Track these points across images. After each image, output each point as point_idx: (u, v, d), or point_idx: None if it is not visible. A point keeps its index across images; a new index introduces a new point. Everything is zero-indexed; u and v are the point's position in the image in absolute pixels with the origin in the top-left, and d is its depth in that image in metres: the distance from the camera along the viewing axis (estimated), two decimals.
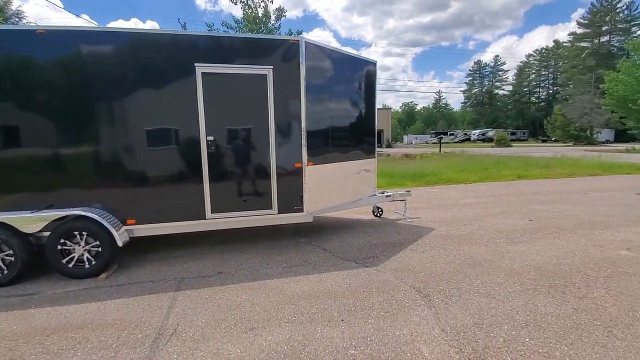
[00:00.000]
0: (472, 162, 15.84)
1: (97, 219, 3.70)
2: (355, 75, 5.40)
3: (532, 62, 77.37)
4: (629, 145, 29.21)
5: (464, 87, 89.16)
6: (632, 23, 55.69)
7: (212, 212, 4.25)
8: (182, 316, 2.93)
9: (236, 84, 4.21)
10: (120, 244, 3.78)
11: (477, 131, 60.38)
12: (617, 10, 56.49)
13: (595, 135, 43.45)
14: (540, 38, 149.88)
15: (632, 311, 2.88)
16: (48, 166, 3.83)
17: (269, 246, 4.80)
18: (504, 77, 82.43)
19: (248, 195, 4.43)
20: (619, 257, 4.13)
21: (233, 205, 4.35)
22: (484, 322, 2.74)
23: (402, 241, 4.92)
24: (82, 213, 3.70)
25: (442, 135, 40.73)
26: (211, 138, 4.14)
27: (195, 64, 3.99)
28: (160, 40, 3.98)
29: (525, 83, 78.32)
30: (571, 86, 53.98)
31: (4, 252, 3.60)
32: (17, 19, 24.37)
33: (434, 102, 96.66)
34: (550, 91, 74.28)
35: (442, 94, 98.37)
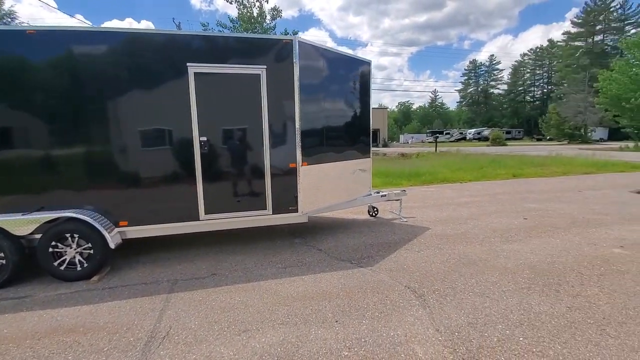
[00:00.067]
0: (467, 161, 15.89)
1: (89, 221, 3.66)
2: (349, 74, 5.39)
3: (526, 61, 77.82)
4: (622, 144, 29.41)
5: (460, 86, 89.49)
6: (625, 22, 56.12)
7: (205, 213, 4.22)
8: (174, 319, 2.90)
9: (229, 84, 4.18)
10: (112, 246, 3.74)
11: (473, 130, 60.64)
12: (611, 10, 56.91)
13: (589, 134, 43.77)
14: (535, 37, 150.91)
15: (625, 309, 2.89)
16: (39, 168, 3.78)
17: (264, 247, 4.78)
18: (499, 76, 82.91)
19: (242, 196, 4.41)
20: (613, 255, 4.15)
21: (227, 206, 4.32)
22: (478, 322, 2.73)
23: (397, 241, 4.91)
24: (74, 215, 3.66)
25: (438, 135, 40.78)
26: (204, 138, 4.11)
27: (188, 64, 3.95)
28: (151, 40, 3.94)
29: (520, 82, 78.75)
30: (565, 85, 54.29)
31: None
32: (9, 20, 24.12)
33: (430, 101, 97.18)
34: (545, 90, 74.74)
35: (438, 93, 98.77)
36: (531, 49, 77.61)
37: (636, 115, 27.64)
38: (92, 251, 3.74)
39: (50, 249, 3.65)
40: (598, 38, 59.30)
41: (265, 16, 24.98)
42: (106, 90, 3.83)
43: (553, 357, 2.29)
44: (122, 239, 4.01)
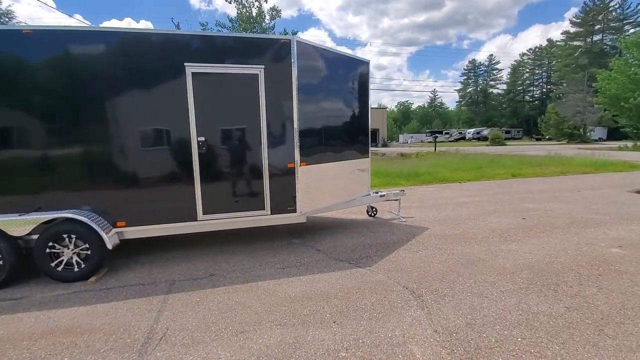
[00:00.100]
0: (466, 161, 15.89)
1: (86, 222, 3.64)
2: (348, 74, 5.38)
3: (526, 61, 77.89)
4: (621, 143, 29.43)
5: (459, 86, 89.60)
6: (624, 22, 56.22)
7: (203, 214, 4.21)
8: (172, 320, 2.89)
9: (227, 84, 4.17)
10: (109, 246, 3.72)
11: (472, 130, 60.67)
12: (610, 9, 57.02)
13: (588, 134, 43.80)
14: (534, 37, 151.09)
15: (623, 309, 2.89)
16: (36, 168, 3.76)
17: (262, 247, 4.77)
18: (498, 76, 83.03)
19: (240, 196, 4.40)
20: (611, 255, 4.15)
21: (225, 206, 4.31)
22: (476, 322, 2.73)
23: (395, 241, 4.91)
24: (71, 216, 3.65)
25: (437, 135, 40.76)
26: (202, 139, 4.10)
27: (185, 64, 3.94)
28: (149, 39, 3.93)
29: (520, 82, 78.81)
30: (564, 85, 54.27)
31: None
32: (7, 19, 24.05)
33: (429, 101, 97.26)
34: (544, 90, 74.81)
35: (437, 93, 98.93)
36: (530, 49, 77.80)
37: (635, 115, 27.68)
38: (89, 252, 3.72)
39: (48, 250, 3.64)
40: (597, 38, 59.43)
41: (265, 16, 24.96)
42: (103, 90, 3.82)
43: (551, 358, 2.28)
44: (120, 240, 4.00)
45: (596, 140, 43.53)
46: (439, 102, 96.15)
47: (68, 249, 3.69)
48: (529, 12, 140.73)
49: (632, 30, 49.30)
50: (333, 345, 2.48)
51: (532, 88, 78.42)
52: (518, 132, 60.30)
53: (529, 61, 77.14)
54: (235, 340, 2.57)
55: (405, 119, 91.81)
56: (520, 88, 79.13)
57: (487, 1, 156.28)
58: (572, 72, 54.58)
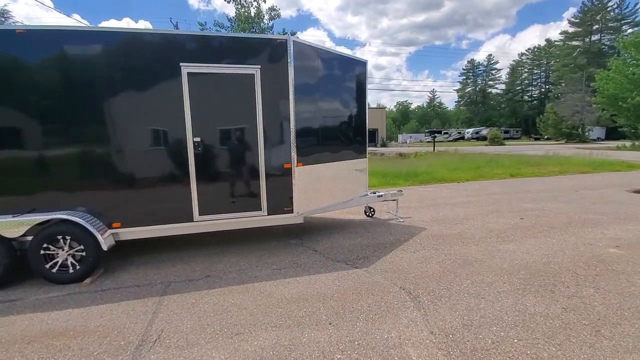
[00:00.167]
0: (465, 161, 15.89)
1: (81, 223, 3.62)
2: (345, 74, 5.36)
3: (524, 60, 77.94)
4: (619, 143, 29.47)
5: (458, 86, 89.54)
6: (622, 22, 56.34)
7: (199, 214, 4.18)
8: (166, 322, 2.86)
9: (223, 84, 4.14)
10: (105, 248, 3.70)
11: (471, 130, 60.68)
12: (608, 9, 57.13)
13: (586, 133, 43.89)
14: (533, 37, 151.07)
15: (620, 310, 2.88)
16: (30, 169, 3.74)
17: (259, 248, 4.75)
18: (497, 76, 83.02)
19: (236, 197, 4.38)
20: (608, 255, 4.14)
21: (221, 207, 4.29)
22: (472, 324, 2.71)
23: (393, 241, 4.89)
24: (65, 217, 3.62)
25: (436, 134, 40.80)
26: (198, 139, 4.08)
27: (181, 64, 3.92)
28: (144, 40, 3.91)
29: (518, 82, 78.87)
30: (563, 84, 54.41)
31: None
32: (3, 19, 23.96)
33: (428, 101, 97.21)
34: (543, 90, 74.89)
35: (436, 93, 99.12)
36: (529, 49, 77.86)
37: (633, 115, 27.73)
38: (84, 253, 3.70)
39: (42, 251, 3.61)
40: (595, 38, 59.58)
41: (263, 16, 24.92)
42: (98, 90, 3.79)
43: None
44: (116, 241, 3.97)
45: (594, 140, 43.61)
46: (437, 102, 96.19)
47: (63, 250, 3.67)
48: (528, 12, 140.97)
49: (630, 30, 49.44)
50: (328, 347, 2.46)
51: (530, 88, 78.51)
52: (517, 131, 60.34)
53: (528, 61, 77.21)
54: (230, 343, 2.55)
55: (404, 118, 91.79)
56: (519, 88, 79.21)
57: (486, 1, 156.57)
58: (571, 72, 54.69)
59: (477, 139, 53.74)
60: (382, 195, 6.10)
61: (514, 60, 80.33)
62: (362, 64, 5.67)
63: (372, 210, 6.50)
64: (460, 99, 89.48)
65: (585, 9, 58.82)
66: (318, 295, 3.28)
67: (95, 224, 3.72)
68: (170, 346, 2.52)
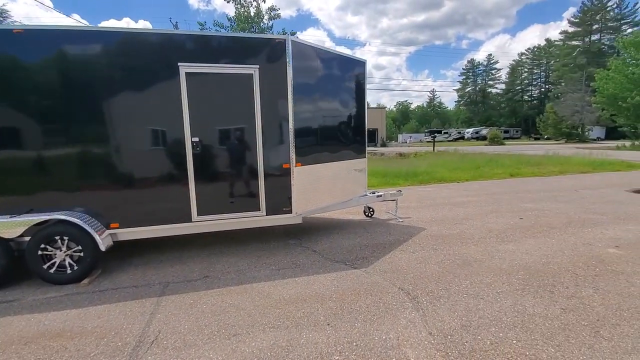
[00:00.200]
0: (465, 161, 15.88)
1: (79, 223, 3.61)
2: (344, 74, 5.35)
3: (524, 60, 77.90)
4: (619, 143, 29.46)
5: (458, 85, 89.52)
6: (622, 21, 56.32)
7: (198, 215, 4.17)
8: (164, 322, 2.85)
9: (221, 84, 4.13)
10: (103, 248, 3.69)
11: (471, 129, 60.65)
12: (608, 9, 57.10)
13: (586, 133, 43.88)
14: (533, 37, 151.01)
15: (619, 310, 2.87)
16: (28, 169, 3.73)
17: (258, 248, 4.74)
18: (497, 75, 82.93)
19: (235, 197, 4.36)
20: (608, 255, 4.13)
21: (220, 207, 4.27)
22: (471, 324, 2.70)
23: (392, 242, 4.88)
24: (63, 217, 3.61)
25: (435, 134, 40.77)
26: (196, 139, 4.07)
27: (179, 64, 3.91)
28: (142, 39, 3.90)
29: (518, 81, 78.84)
30: (563, 84, 54.39)
31: None
32: (1, 19, 23.90)
33: (428, 101, 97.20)
34: (543, 89, 74.86)
35: (436, 92, 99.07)
36: (529, 49, 77.77)
37: (632, 114, 27.72)
38: (82, 254, 3.68)
39: (40, 252, 3.60)
40: (595, 37, 59.57)
41: (263, 16, 24.89)
42: (96, 90, 3.78)
43: None
44: (114, 241, 3.96)
45: (594, 140, 43.61)
46: (437, 102, 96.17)
47: (60, 251, 3.66)
48: (528, 12, 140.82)
49: (629, 30, 49.42)
50: (326, 348, 2.45)
51: (530, 88, 78.49)
52: (517, 131, 60.33)
53: (528, 61, 77.19)
54: (227, 344, 2.53)
55: (404, 118, 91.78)
56: (518, 88, 79.19)
57: (486, 1, 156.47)
58: (571, 71, 54.68)
59: (477, 138, 53.72)
60: (381, 196, 6.09)
61: (513, 60, 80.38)
62: (361, 63, 5.66)
63: (371, 210, 6.49)
64: (460, 99, 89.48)
65: (585, 8, 58.80)
66: (316, 296, 3.27)
67: (93, 225, 3.71)
68: (168, 347, 2.51)
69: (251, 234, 5.34)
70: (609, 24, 57.66)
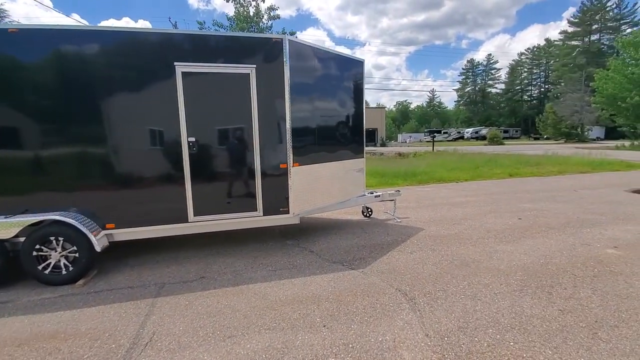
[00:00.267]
0: (464, 161, 15.86)
1: (74, 224, 3.58)
2: (342, 74, 5.32)
3: (524, 60, 77.92)
4: (618, 143, 29.46)
5: (458, 85, 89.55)
6: (621, 21, 56.36)
7: (194, 215, 4.15)
8: (159, 324, 2.83)
9: (218, 84, 4.11)
10: (98, 249, 3.66)
11: (471, 129, 60.63)
12: (607, 9, 57.14)
13: (586, 133, 43.90)
14: (533, 37, 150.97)
15: (617, 312, 2.85)
16: (23, 169, 3.70)
17: (255, 249, 4.71)
18: (496, 75, 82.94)
19: (232, 197, 4.34)
20: (606, 256, 4.11)
21: (216, 207, 4.25)
22: (468, 326, 2.68)
23: (390, 242, 4.86)
24: (58, 218, 3.58)
25: (435, 134, 40.73)
26: (193, 139, 4.04)
27: (175, 63, 3.88)
28: (138, 39, 3.87)
29: (518, 81, 78.86)
30: (562, 84, 54.38)
31: None
32: None
33: (427, 100, 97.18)
34: (542, 89, 74.89)
35: (436, 92, 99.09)
36: (528, 48, 77.80)
37: (632, 114, 27.72)
38: (77, 254, 3.66)
39: (35, 253, 3.57)
40: (595, 37, 59.60)
41: (262, 15, 24.84)
42: (91, 90, 3.75)
43: None
44: (110, 242, 3.94)
45: (594, 140, 43.63)
46: (437, 102, 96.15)
47: (55, 251, 3.63)
48: (528, 12, 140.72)
49: (629, 30, 49.42)
50: (322, 350, 2.43)
51: (530, 87, 78.52)
52: (516, 131, 60.32)
53: (527, 61, 77.21)
54: (222, 346, 2.51)
55: (403, 118, 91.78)
56: (518, 87, 79.21)
57: (486, 1, 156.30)
58: (570, 71, 54.71)
59: (477, 138, 53.71)
60: (379, 196, 6.07)
61: (513, 60, 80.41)
62: (360, 63, 5.64)
63: (369, 210, 6.47)
64: (459, 99, 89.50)
65: (585, 8, 58.82)
66: (313, 297, 3.25)
67: (88, 225, 3.68)
68: (162, 349, 2.49)
69: (249, 234, 5.31)
70: (609, 24, 57.70)
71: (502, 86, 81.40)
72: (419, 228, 5.54)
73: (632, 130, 30.74)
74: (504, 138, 44.85)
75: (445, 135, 60.34)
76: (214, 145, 4.22)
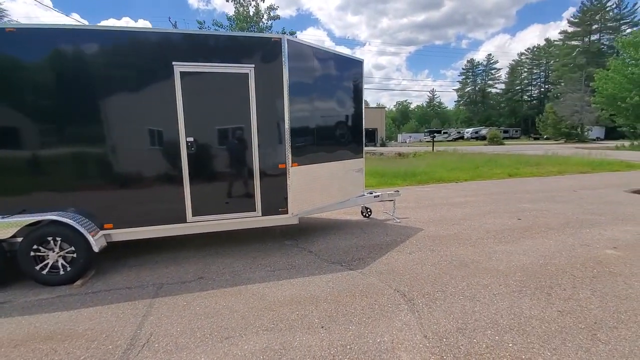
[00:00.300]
0: (464, 161, 15.85)
1: (71, 224, 3.57)
2: (341, 74, 5.31)
3: (524, 60, 77.89)
4: (618, 143, 29.45)
5: (457, 85, 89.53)
6: (621, 22, 56.34)
7: (193, 215, 4.14)
8: (156, 325, 2.82)
9: (216, 84, 4.09)
10: (96, 249, 3.65)
11: (471, 129, 60.60)
12: (607, 9, 57.13)
13: (586, 133, 43.88)
14: (533, 37, 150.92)
15: (616, 313, 2.84)
16: (21, 169, 3.69)
17: (254, 249, 4.70)
18: (496, 75, 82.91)
19: (230, 198, 4.33)
20: (606, 257, 4.10)
21: (215, 208, 4.24)
22: (467, 327, 2.67)
23: (389, 242, 4.85)
24: (56, 218, 3.57)
25: (435, 134, 40.70)
26: (191, 139, 4.03)
27: (174, 63, 3.87)
28: (136, 38, 3.85)
29: (518, 81, 78.83)
30: (562, 84, 54.37)
31: None
32: None
33: (427, 100, 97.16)
34: (542, 89, 74.87)
35: (436, 92, 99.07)
36: (528, 48, 77.79)
37: (632, 114, 27.71)
38: (75, 255, 3.64)
39: (32, 253, 3.56)
40: (594, 37, 59.60)
41: (262, 15, 24.81)
42: (89, 89, 3.74)
43: None
44: (108, 242, 3.93)
45: (594, 140, 43.62)
46: (437, 102, 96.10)
47: (53, 252, 3.62)
48: (528, 12, 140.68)
49: (628, 30, 49.40)
50: (320, 351, 2.42)
51: (530, 87, 78.49)
52: (516, 131, 60.30)
53: (527, 61, 77.18)
54: (219, 347, 2.50)
55: (403, 118, 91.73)
56: (518, 87, 79.18)
57: (486, 1, 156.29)
58: (570, 71, 54.69)
59: (477, 138, 53.69)
60: (378, 196, 6.06)
61: (513, 60, 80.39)
62: (359, 63, 5.62)
63: (368, 210, 6.46)
64: (459, 99, 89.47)
65: (585, 8, 58.81)
66: (311, 298, 3.24)
67: (86, 225, 3.67)
68: (159, 350, 2.48)
69: (248, 234, 5.30)
70: (608, 24, 57.69)
71: (502, 86, 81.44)
72: (418, 228, 5.53)
73: (631, 130, 30.74)
74: (503, 138, 44.84)
75: (445, 135, 60.31)
76: (213, 145, 4.20)
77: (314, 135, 4.85)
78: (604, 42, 58.28)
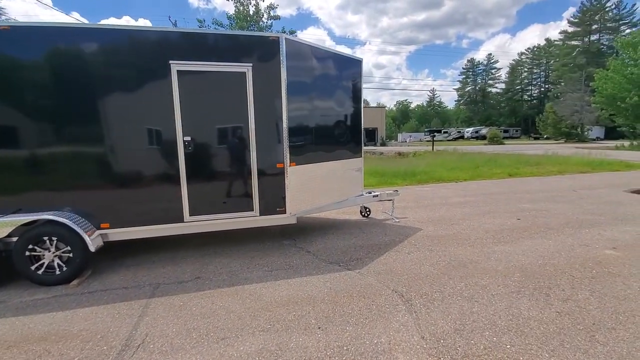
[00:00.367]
0: (464, 160, 15.82)
1: (68, 224, 3.54)
2: (340, 73, 5.28)
3: (524, 60, 77.84)
4: (618, 143, 29.43)
5: (458, 85, 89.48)
6: (620, 22, 56.34)
7: (190, 215, 4.11)
8: (152, 325, 2.80)
9: (214, 83, 4.07)
10: (92, 249, 3.63)
11: (471, 129, 60.57)
12: (607, 9, 57.12)
13: (586, 133, 43.87)
14: (533, 36, 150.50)
15: (615, 314, 2.82)
16: (16, 168, 3.66)
17: (252, 249, 4.68)
18: (497, 75, 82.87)
19: (228, 197, 4.30)
20: (605, 257, 4.08)
21: (212, 207, 4.21)
22: (465, 328, 2.65)
23: (387, 242, 4.82)
24: (52, 217, 3.55)
25: (435, 133, 40.67)
26: (188, 138, 4.01)
27: (170, 62, 3.84)
28: (133, 37, 3.83)
29: (518, 81, 78.79)
30: (562, 84, 54.32)
31: None
32: None
33: (428, 100, 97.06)
34: (542, 89, 74.83)
35: (436, 92, 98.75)
36: (529, 48, 77.70)
37: (631, 114, 27.68)
38: (71, 254, 3.62)
39: (28, 253, 3.54)
40: (594, 37, 59.58)
41: (262, 14, 24.77)
42: (85, 88, 3.72)
43: None
44: (104, 242, 3.90)
45: (593, 140, 43.61)
46: (437, 101, 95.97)
47: (49, 251, 3.59)
48: (528, 12, 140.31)
49: (628, 31, 49.35)
50: (316, 353, 2.40)
51: (530, 87, 78.46)
52: (516, 131, 60.26)
53: (528, 60, 77.14)
54: (215, 348, 2.48)
55: (404, 118, 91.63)
56: (518, 87, 79.15)
57: (487, 1, 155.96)
58: (570, 71, 54.67)
59: (477, 138, 53.66)
60: (377, 195, 6.04)
61: (513, 60, 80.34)
62: (358, 62, 5.60)
63: (367, 210, 6.43)
64: (460, 98, 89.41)
65: (584, 9, 58.79)
66: (308, 298, 3.21)
67: (82, 225, 3.64)
68: (154, 351, 2.46)
69: (246, 234, 5.28)
70: (608, 25, 57.68)
71: (503, 86, 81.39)
72: (417, 228, 5.51)
73: (631, 130, 30.70)
74: (504, 138, 44.78)
75: (446, 134, 60.25)
76: (210, 145, 4.18)
77: (313, 134, 4.83)
78: (604, 42, 58.28)
